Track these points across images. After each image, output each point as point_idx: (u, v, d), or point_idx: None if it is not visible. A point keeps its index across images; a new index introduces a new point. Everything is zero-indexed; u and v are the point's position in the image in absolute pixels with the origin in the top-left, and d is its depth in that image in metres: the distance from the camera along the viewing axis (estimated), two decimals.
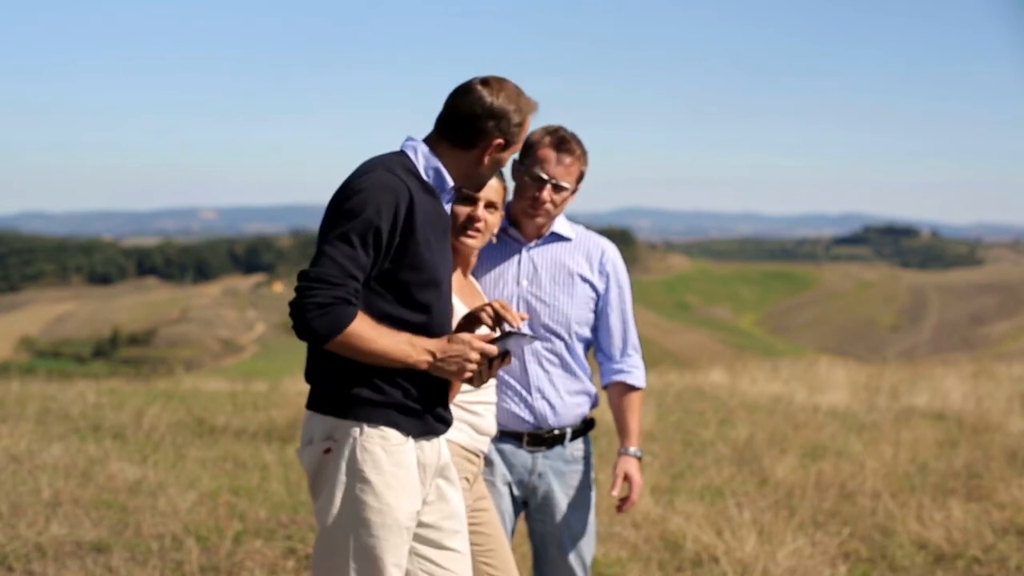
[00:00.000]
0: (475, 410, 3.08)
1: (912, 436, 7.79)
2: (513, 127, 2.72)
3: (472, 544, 2.95)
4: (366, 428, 2.60)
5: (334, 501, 2.60)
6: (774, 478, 6.50)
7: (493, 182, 3.08)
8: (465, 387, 2.99)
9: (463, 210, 3.05)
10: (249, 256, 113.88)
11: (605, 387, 3.47)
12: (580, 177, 3.28)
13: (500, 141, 2.72)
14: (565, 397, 3.32)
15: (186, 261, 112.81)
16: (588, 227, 3.46)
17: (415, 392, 2.66)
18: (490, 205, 3.09)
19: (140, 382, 11.94)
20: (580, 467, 3.39)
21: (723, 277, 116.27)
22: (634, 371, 3.44)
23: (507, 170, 3.11)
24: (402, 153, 2.74)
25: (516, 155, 3.11)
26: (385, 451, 2.61)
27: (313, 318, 2.49)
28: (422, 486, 2.70)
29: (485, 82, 2.71)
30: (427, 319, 2.67)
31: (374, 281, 2.61)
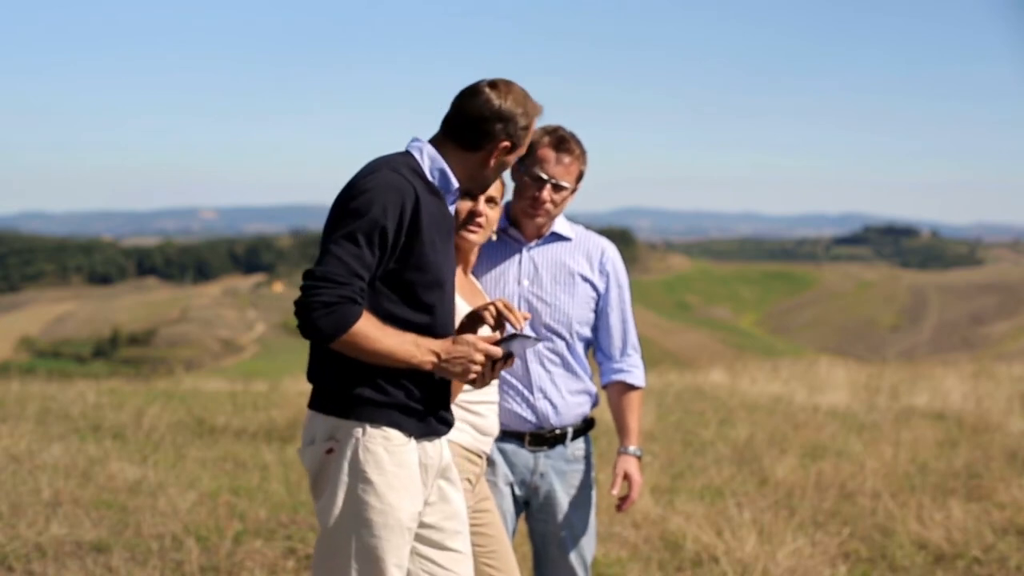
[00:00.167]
0: (477, 410, 3.07)
1: (912, 436, 7.79)
2: (520, 130, 2.73)
3: (474, 545, 2.95)
4: (368, 428, 2.60)
5: (336, 501, 2.60)
6: (774, 478, 6.50)
7: None
8: (466, 387, 2.99)
9: (464, 206, 3.05)
10: (249, 256, 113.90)
11: (605, 386, 3.48)
12: (580, 177, 3.29)
13: (507, 144, 2.73)
14: (567, 396, 3.33)
15: (186, 261, 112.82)
16: (588, 227, 3.47)
17: (418, 393, 2.66)
18: (490, 200, 3.09)
19: (140, 382, 11.94)
20: (581, 466, 3.39)
21: (723, 277, 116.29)
22: (634, 370, 3.44)
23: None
24: (407, 154, 2.74)
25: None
26: (387, 451, 2.61)
27: (319, 317, 2.49)
28: (424, 487, 2.70)
29: (493, 85, 2.72)
30: (431, 320, 2.67)
31: (379, 281, 2.61)
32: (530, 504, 3.37)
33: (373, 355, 2.56)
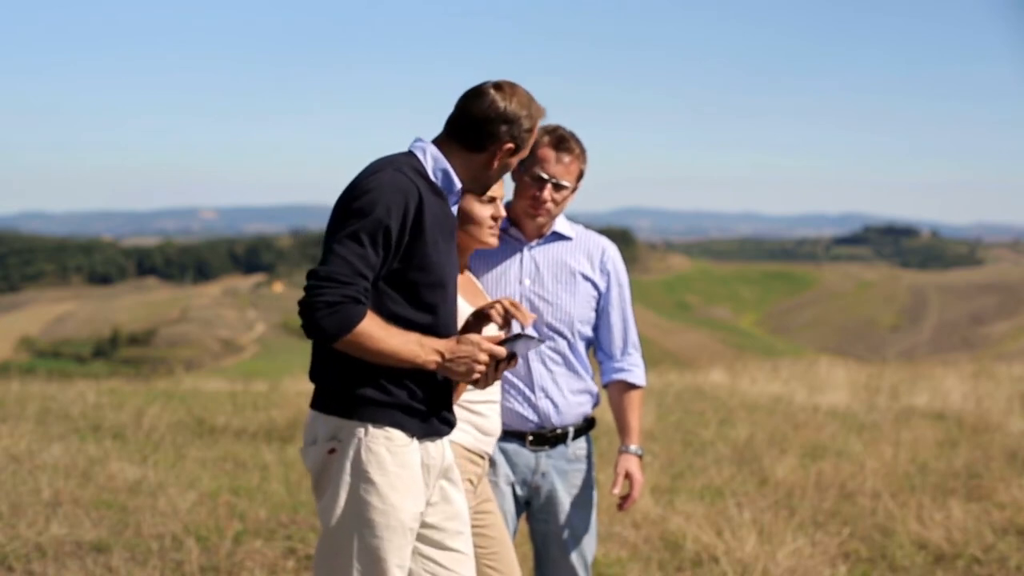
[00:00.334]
0: (479, 410, 3.07)
1: (912, 436, 7.79)
2: (524, 132, 2.74)
3: (476, 546, 2.95)
4: (371, 429, 2.60)
5: (338, 501, 2.60)
6: (774, 478, 6.50)
7: None
8: (468, 387, 2.99)
9: (486, 210, 3.05)
10: (249, 256, 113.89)
11: (605, 386, 3.48)
12: (580, 176, 3.29)
13: (511, 146, 2.73)
14: (568, 396, 3.33)
15: (186, 261, 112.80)
16: (588, 226, 3.47)
17: (420, 393, 2.66)
18: (492, 200, 3.11)
19: (140, 382, 11.94)
20: (583, 466, 3.40)
21: (723, 277, 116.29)
22: (634, 369, 3.45)
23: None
24: (410, 154, 2.74)
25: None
26: (390, 452, 2.61)
27: (322, 317, 2.49)
28: (426, 487, 2.70)
29: (498, 86, 2.72)
30: (433, 320, 2.67)
31: (382, 281, 2.61)
32: (531, 504, 3.37)
33: (377, 355, 2.56)
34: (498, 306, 2.80)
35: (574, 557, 3.38)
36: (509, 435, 3.28)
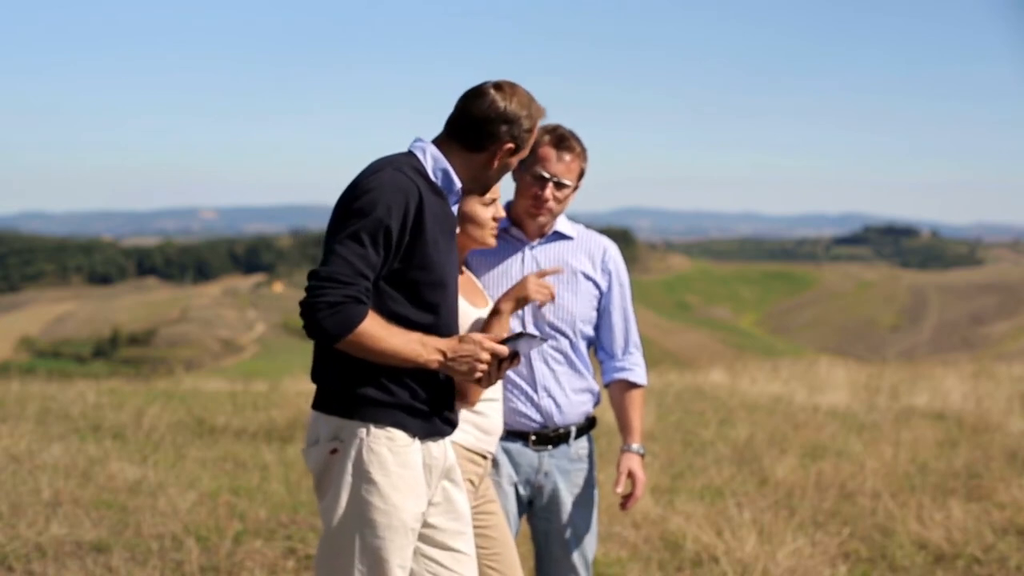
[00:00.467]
0: (480, 409, 3.07)
1: (912, 436, 7.79)
2: (524, 132, 2.74)
3: (477, 547, 2.95)
4: (372, 429, 2.60)
5: (340, 502, 2.60)
6: (774, 478, 6.50)
7: None
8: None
9: (486, 211, 3.06)
10: (249, 256, 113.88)
11: (607, 385, 3.49)
12: (581, 174, 3.29)
13: (511, 145, 2.73)
14: (571, 395, 3.33)
15: (186, 261, 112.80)
16: (588, 226, 3.47)
17: (422, 393, 2.66)
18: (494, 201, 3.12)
19: (140, 382, 11.94)
20: (585, 465, 3.40)
21: (723, 277, 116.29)
22: (636, 368, 3.45)
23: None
24: (410, 154, 2.74)
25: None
26: (391, 452, 2.61)
27: (324, 317, 2.49)
28: (428, 487, 2.70)
29: (498, 86, 2.73)
30: (435, 319, 2.67)
31: (383, 281, 2.61)
32: (534, 503, 3.37)
33: (379, 355, 2.56)
34: (527, 283, 2.96)
35: (576, 556, 3.39)
36: (512, 435, 3.28)
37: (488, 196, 3.04)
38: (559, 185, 3.23)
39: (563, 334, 3.31)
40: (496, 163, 2.76)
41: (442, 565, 2.75)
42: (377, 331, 2.53)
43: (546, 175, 3.22)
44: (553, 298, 3.20)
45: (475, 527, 2.95)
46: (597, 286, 3.38)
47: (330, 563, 2.64)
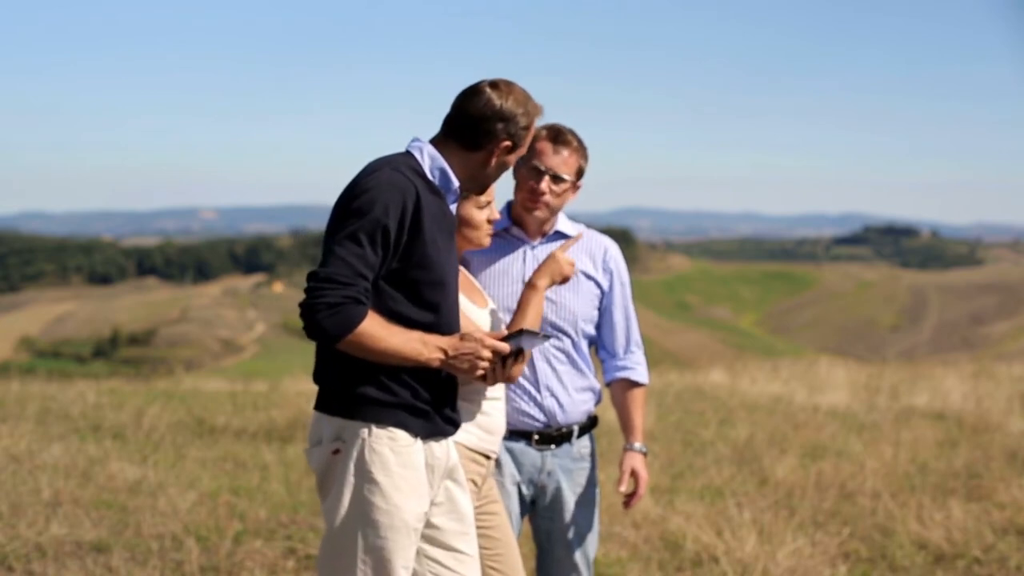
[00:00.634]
0: (484, 409, 3.06)
1: (912, 436, 7.79)
2: (520, 130, 2.74)
3: (480, 548, 2.94)
4: (374, 429, 2.61)
5: (342, 502, 2.61)
6: (774, 478, 6.50)
7: None
8: (466, 382, 2.98)
9: (481, 214, 3.07)
10: (249, 256, 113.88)
11: (608, 384, 3.49)
12: (580, 173, 3.29)
13: (508, 143, 2.74)
14: (573, 394, 3.34)
15: (186, 261, 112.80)
16: (589, 226, 3.47)
17: (424, 393, 2.66)
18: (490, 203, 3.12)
19: (140, 382, 11.94)
20: (587, 464, 3.41)
21: (723, 277, 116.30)
22: (637, 367, 3.46)
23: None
24: (408, 154, 2.75)
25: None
26: (393, 452, 2.61)
27: (323, 318, 2.49)
28: (430, 488, 2.70)
29: (494, 85, 2.73)
30: (436, 318, 2.68)
31: (383, 281, 2.62)
32: (536, 503, 3.37)
33: (380, 354, 2.56)
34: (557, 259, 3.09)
35: (578, 556, 3.39)
36: (514, 434, 3.28)
37: (483, 199, 3.04)
38: (556, 179, 3.23)
39: (565, 333, 3.32)
40: (494, 161, 2.76)
41: (444, 566, 2.75)
42: (377, 331, 2.54)
43: (542, 168, 3.22)
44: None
45: (478, 527, 2.94)
46: (598, 285, 3.39)
47: (332, 563, 2.64)
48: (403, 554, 2.62)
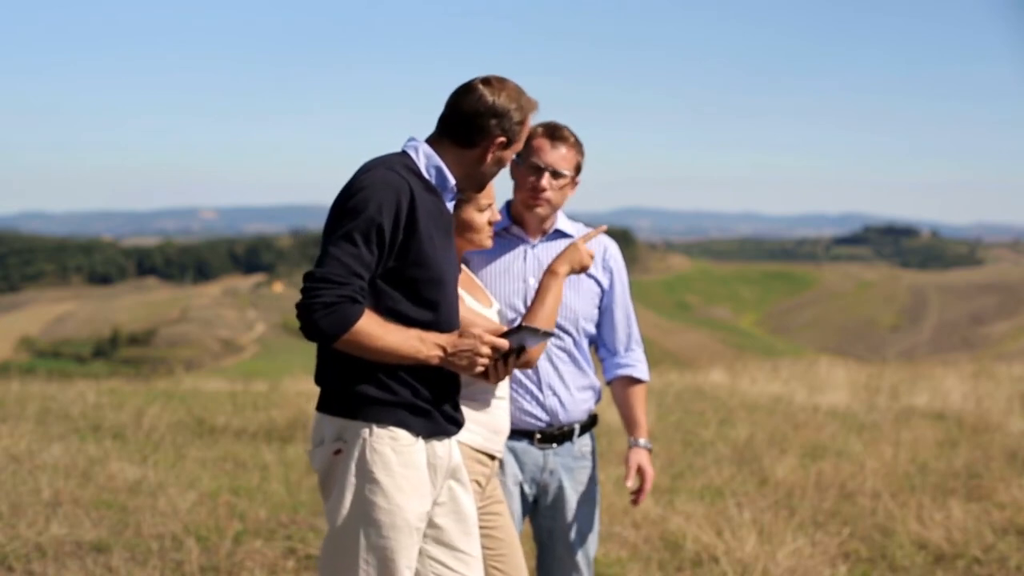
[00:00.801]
0: (488, 409, 3.06)
1: (912, 436, 7.79)
2: (515, 125, 2.74)
3: (483, 548, 2.94)
4: (376, 429, 2.61)
5: (344, 502, 2.61)
6: (774, 478, 6.50)
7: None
8: (470, 382, 2.99)
9: (482, 217, 3.07)
10: (249, 256, 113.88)
11: (610, 382, 3.50)
12: (578, 169, 3.30)
13: (502, 139, 2.73)
14: (575, 393, 3.35)
15: (186, 261, 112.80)
16: (588, 225, 3.47)
17: (425, 392, 2.66)
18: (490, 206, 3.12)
19: (140, 382, 11.94)
20: (588, 463, 3.42)
21: (723, 277, 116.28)
22: (639, 364, 3.47)
23: (505, 171, 3.12)
24: (403, 153, 2.75)
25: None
26: (395, 452, 2.61)
27: (320, 318, 2.50)
28: (432, 487, 2.70)
29: (486, 81, 2.73)
30: (435, 316, 2.68)
31: (381, 280, 2.62)
32: (538, 502, 3.38)
33: (377, 353, 2.56)
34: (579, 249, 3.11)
35: (579, 555, 3.40)
36: (517, 434, 3.29)
37: (484, 201, 3.05)
38: (555, 175, 3.24)
39: (567, 332, 3.33)
40: (489, 158, 2.76)
41: (447, 566, 2.75)
42: (374, 329, 2.54)
43: (541, 164, 3.23)
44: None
45: (481, 528, 2.94)
46: (599, 284, 3.40)
47: (335, 563, 2.65)
48: (406, 554, 2.62)
